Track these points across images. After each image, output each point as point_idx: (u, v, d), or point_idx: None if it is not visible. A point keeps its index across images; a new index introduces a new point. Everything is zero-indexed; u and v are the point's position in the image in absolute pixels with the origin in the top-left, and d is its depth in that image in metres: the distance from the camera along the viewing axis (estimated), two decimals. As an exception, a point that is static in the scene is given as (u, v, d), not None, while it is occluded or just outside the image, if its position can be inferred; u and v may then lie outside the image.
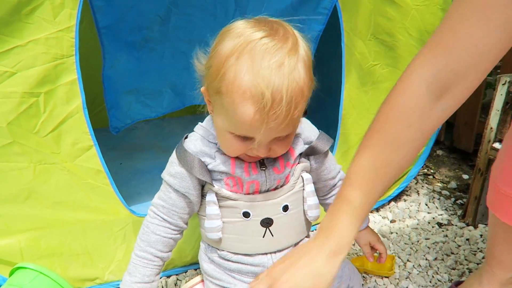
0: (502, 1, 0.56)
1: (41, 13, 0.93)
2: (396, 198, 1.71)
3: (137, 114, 1.53)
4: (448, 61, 0.62)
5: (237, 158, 0.80)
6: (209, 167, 0.81)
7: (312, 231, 1.48)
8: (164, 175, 0.86)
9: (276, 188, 0.83)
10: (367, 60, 1.36)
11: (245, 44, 0.67)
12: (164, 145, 1.60)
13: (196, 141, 0.82)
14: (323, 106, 1.80)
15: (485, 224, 1.53)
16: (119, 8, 1.22)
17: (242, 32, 0.69)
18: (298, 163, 0.86)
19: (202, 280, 0.96)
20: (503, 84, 1.33)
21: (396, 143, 0.67)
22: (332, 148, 1.44)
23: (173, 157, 0.85)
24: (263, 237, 0.84)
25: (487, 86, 1.90)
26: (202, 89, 0.78)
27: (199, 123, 0.86)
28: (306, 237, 0.92)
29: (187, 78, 1.54)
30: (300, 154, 0.86)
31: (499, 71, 1.78)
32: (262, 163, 0.81)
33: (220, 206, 0.83)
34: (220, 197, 0.82)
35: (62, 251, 1.10)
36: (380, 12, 1.30)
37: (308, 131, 0.88)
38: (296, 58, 0.68)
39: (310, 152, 0.87)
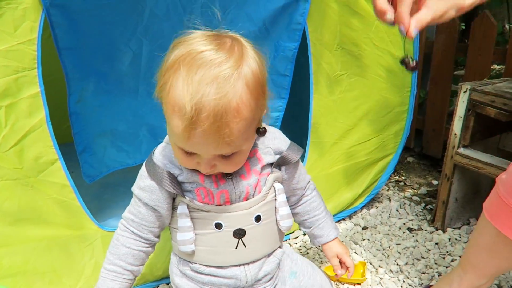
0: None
1: (1, 25, 0.92)
2: (368, 205, 1.73)
3: (113, 161, 1.39)
4: None
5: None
6: (179, 178, 0.80)
7: (285, 240, 1.49)
8: (134, 188, 0.85)
9: (247, 199, 0.83)
10: (334, 70, 1.38)
11: (185, 56, 0.66)
12: (136, 158, 1.58)
13: (164, 150, 0.82)
14: (295, 116, 1.82)
15: (453, 228, 1.57)
16: (85, 31, 1.11)
17: (189, 43, 0.68)
18: (271, 173, 0.85)
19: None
20: (464, 92, 1.38)
21: None
22: (302, 158, 1.46)
23: (143, 170, 0.84)
24: (236, 248, 0.83)
25: (453, 94, 1.96)
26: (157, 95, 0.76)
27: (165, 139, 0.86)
28: (279, 247, 0.92)
29: (164, 120, 1.45)
30: (272, 164, 0.85)
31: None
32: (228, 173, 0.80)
33: (192, 218, 0.82)
34: (191, 209, 0.81)
35: (26, 270, 1.06)
36: (345, 23, 1.33)
37: (279, 141, 0.88)
38: (236, 76, 0.65)
39: (282, 162, 0.87)
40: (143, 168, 0.84)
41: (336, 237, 1.02)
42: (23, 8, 0.93)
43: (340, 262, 1.01)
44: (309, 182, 0.99)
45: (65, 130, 1.51)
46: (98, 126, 1.31)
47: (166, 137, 0.84)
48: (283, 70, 1.31)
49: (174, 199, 0.84)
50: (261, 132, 0.76)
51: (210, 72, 0.64)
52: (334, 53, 1.36)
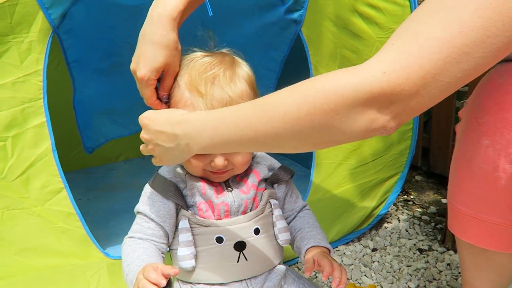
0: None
1: (8, 58, 0.95)
2: (377, 225, 1.71)
3: (110, 132, 1.56)
4: None
5: (205, 181, 0.84)
6: (183, 192, 0.85)
7: (293, 264, 1.46)
8: (138, 207, 0.86)
9: (245, 212, 0.86)
10: (336, 91, 1.39)
11: (187, 62, 0.81)
12: (143, 184, 1.58)
13: (168, 167, 0.88)
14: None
15: (465, 248, 1.54)
16: (88, 41, 1.23)
17: (188, 54, 0.83)
18: (265, 189, 0.89)
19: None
20: (468, 109, 1.37)
21: None
22: (307, 181, 1.45)
23: (146, 188, 0.87)
24: (238, 261, 0.84)
25: (457, 111, 1.96)
26: None
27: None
28: (279, 263, 0.92)
29: None
30: (266, 181, 0.90)
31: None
32: (228, 185, 0.86)
33: (192, 235, 0.83)
34: (192, 224, 0.83)
35: (31, 300, 1.06)
36: (344, 45, 1.35)
37: (271, 159, 0.95)
38: (232, 72, 0.79)
39: (275, 180, 0.92)
40: (146, 186, 0.88)
41: (325, 247, 0.89)
42: (29, 41, 0.96)
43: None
44: (305, 206, 1.00)
45: (71, 158, 1.54)
46: (98, 107, 1.47)
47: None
48: (271, 67, 1.41)
49: (176, 216, 0.85)
50: None
51: (211, 71, 0.78)
52: (335, 75, 1.37)
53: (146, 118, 0.78)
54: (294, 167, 1.37)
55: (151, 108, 0.84)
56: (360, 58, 1.39)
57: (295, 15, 1.24)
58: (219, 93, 0.77)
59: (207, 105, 0.76)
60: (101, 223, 1.54)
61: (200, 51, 0.84)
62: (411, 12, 1.37)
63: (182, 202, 0.83)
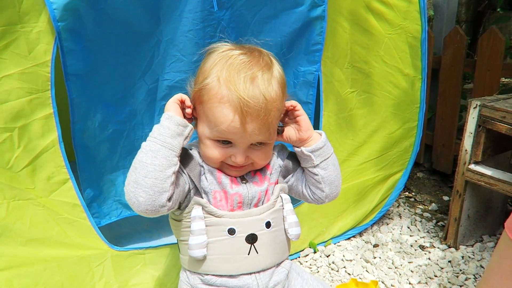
0: None
1: (16, 48, 0.93)
2: (379, 222, 1.71)
3: (124, 208, 1.26)
4: None
5: (222, 172, 0.86)
6: (202, 176, 0.86)
7: (295, 259, 1.47)
8: None
9: (257, 205, 0.87)
10: (344, 87, 1.38)
11: (225, 59, 0.80)
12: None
13: (191, 151, 0.89)
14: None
15: (466, 246, 1.54)
16: (96, 59, 1.05)
17: (223, 50, 0.83)
18: (277, 183, 0.90)
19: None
20: (474, 108, 1.37)
21: None
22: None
23: None
24: (248, 254, 0.84)
25: (462, 109, 1.95)
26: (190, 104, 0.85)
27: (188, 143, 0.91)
28: (286, 259, 0.93)
29: None
30: (277, 171, 0.92)
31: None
32: (242, 178, 0.88)
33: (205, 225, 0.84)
34: (205, 214, 0.83)
35: (37, 291, 1.06)
36: (356, 41, 1.34)
37: (281, 150, 0.96)
38: (270, 74, 0.80)
39: (285, 173, 0.93)
40: None
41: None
42: (37, 32, 0.94)
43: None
44: None
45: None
46: (109, 165, 1.19)
47: (187, 145, 0.89)
48: (305, 97, 1.30)
49: (189, 198, 0.85)
50: (279, 130, 0.89)
51: (250, 71, 0.78)
52: (345, 70, 1.36)
53: None
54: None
55: None
56: (369, 55, 1.38)
57: (319, 11, 1.21)
58: (256, 94, 0.77)
59: (244, 105, 0.76)
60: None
61: (235, 46, 0.85)
62: (419, 8, 1.36)
63: (197, 180, 0.84)
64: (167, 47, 1.12)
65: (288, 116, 0.90)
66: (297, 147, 0.89)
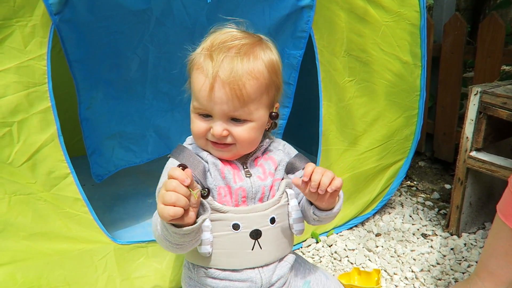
0: None
1: (11, 42, 0.93)
2: (381, 211, 1.71)
3: (120, 160, 1.45)
4: None
5: (224, 161, 0.85)
6: (207, 173, 0.85)
7: (298, 249, 1.47)
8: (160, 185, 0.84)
9: (262, 200, 0.86)
10: (342, 76, 1.38)
11: (217, 33, 0.82)
12: (147, 169, 1.58)
13: (191, 145, 0.89)
14: (302, 124, 1.81)
15: (469, 233, 1.54)
16: (92, 42, 1.15)
17: (223, 29, 0.83)
18: (283, 179, 0.89)
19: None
20: (475, 95, 1.37)
21: None
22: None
23: (171, 161, 0.87)
24: (252, 249, 0.85)
25: (463, 97, 1.94)
26: (187, 83, 0.87)
27: (187, 138, 0.92)
28: (289, 253, 0.93)
29: (171, 121, 1.50)
30: (283, 168, 0.90)
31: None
32: (247, 171, 0.87)
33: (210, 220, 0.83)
34: (210, 210, 0.82)
35: (40, 284, 1.06)
36: (352, 29, 1.33)
37: (288, 146, 0.96)
38: (254, 50, 0.79)
39: (290, 169, 0.92)
40: (171, 160, 0.87)
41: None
42: (32, 25, 0.94)
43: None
44: None
45: (76, 144, 1.52)
46: (107, 129, 1.36)
47: (188, 138, 0.91)
48: (287, 78, 1.31)
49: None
50: (273, 116, 0.86)
51: (235, 42, 0.78)
52: (342, 59, 1.36)
53: None
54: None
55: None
56: (367, 43, 1.37)
57: (307, 0, 1.21)
58: (228, 63, 0.77)
59: (214, 72, 0.76)
60: (106, 209, 1.55)
61: (235, 28, 0.85)
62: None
63: (203, 179, 0.83)
64: (157, 22, 1.21)
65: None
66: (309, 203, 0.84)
